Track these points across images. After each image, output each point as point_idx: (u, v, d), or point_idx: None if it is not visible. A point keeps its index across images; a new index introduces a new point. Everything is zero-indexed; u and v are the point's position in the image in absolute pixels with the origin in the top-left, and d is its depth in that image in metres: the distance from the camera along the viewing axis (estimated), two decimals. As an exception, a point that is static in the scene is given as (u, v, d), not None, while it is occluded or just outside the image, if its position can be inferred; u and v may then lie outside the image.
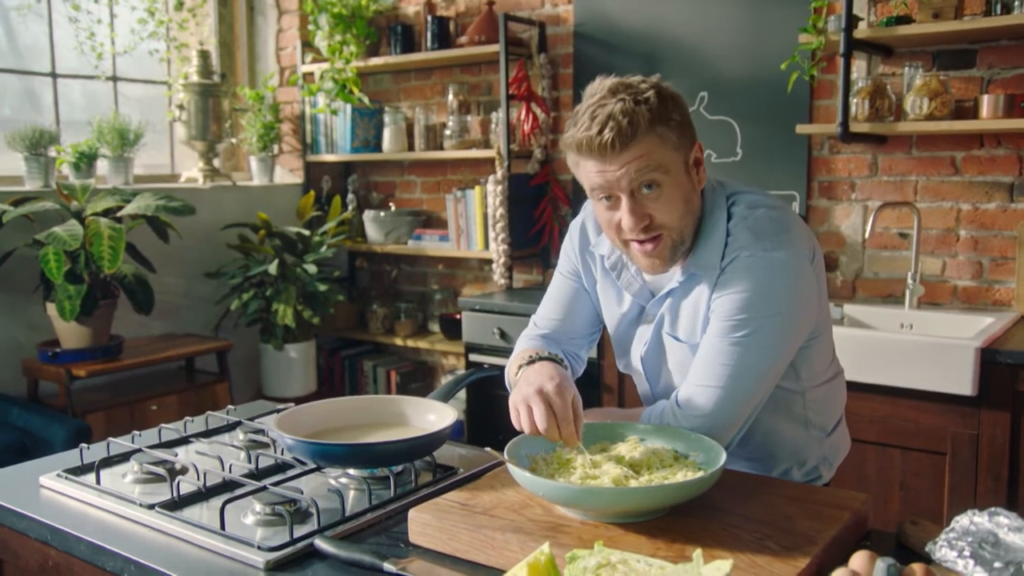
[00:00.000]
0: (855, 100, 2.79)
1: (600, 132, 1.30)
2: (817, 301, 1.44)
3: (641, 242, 1.38)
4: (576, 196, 3.63)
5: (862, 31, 2.74)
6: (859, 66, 2.94)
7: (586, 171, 1.37)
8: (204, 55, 3.87)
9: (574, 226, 1.63)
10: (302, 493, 1.30)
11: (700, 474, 1.17)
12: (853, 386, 2.45)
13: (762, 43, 3.12)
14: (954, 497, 2.40)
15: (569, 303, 1.64)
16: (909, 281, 2.84)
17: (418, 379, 4.13)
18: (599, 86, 1.36)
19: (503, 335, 3.25)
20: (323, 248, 3.76)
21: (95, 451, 1.56)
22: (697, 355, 1.41)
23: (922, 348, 2.40)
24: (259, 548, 1.18)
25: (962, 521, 1.10)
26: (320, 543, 1.18)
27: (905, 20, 2.71)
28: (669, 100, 1.35)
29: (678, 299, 1.46)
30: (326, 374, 4.23)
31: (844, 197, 3.05)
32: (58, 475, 1.47)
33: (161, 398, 3.24)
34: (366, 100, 3.94)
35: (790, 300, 1.37)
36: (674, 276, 1.46)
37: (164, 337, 3.64)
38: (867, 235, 2.78)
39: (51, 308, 3.07)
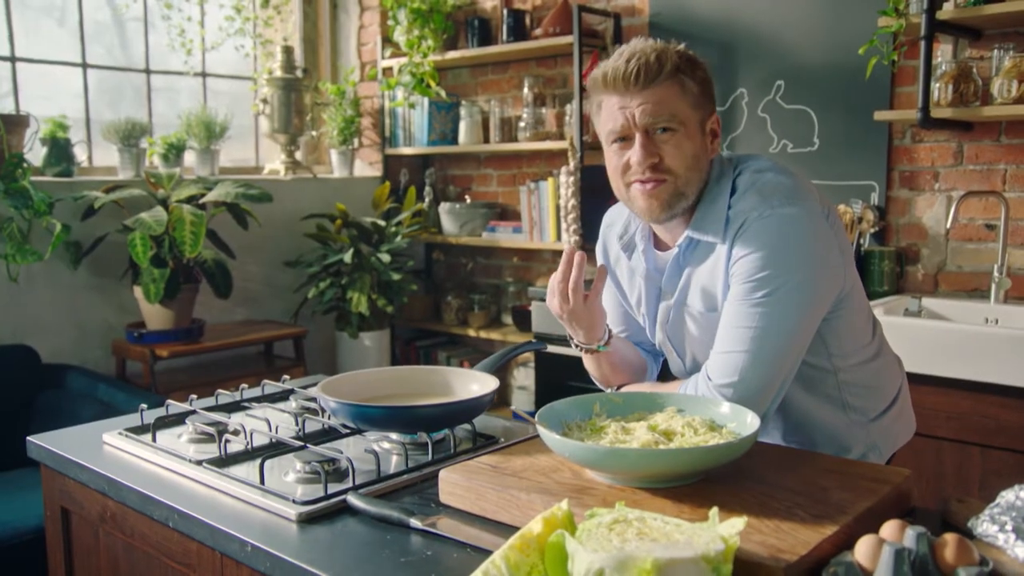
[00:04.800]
0: (937, 85, 2.68)
1: (627, 62, 1.35)
2: (840, 258, 1.39)
3: (644, 182, 1.39)
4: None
5: (947, 12, 2.63)
6: (944, 50, 2.82)
7: (608, 110, 1.40)
8: (288, 51, 3.99)
9: (598, 248, 1.69)
10: (341, 453, 1.33)
11: (730, 440, 1.15)
12: (931, 380, 2.38)
13: (840, 29, 3.02)
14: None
15: (624, 314, 1.69)
16: (995, 274, 2.71)
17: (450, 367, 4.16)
18: (635, 39, 1.41)
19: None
20: (397, 238, 3.82)
21: (154, 413, 1.63)
22: (721, 322, 1.39)
23: (1004, 341, 2.28)
24: (293, 502, 1.21)
25: (1008, 496, 1.04)
26: (352, 499, 1.21)
27: (995, -1, 2.59)
28: (696, 60, 1.40)
29: (690, 272, 1.46)
30: (402, 363, 4.29)
31: (927, 187, 2.93)
32: (119, 433, 1.55)
33: (239, 380, 3.33)
34: (443, 94, 3.99)
35: (809, 254, 1.34)
36: (678, 245, 1.47)
37: (244, 323, 3.77)
38: (948, 225, 2.66)
39: (138, 291, 3.22)
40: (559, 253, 3.86)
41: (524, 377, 3.81)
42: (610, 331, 1.57)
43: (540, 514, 0.97)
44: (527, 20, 3.84)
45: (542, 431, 1.18)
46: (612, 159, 1.43)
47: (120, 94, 3.77)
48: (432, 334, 4.38)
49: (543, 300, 3.35)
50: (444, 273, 4.45)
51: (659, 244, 1.54)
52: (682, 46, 1.39)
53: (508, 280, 4.16)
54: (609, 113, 1.40)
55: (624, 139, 1.40)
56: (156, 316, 3.25)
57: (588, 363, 1.63)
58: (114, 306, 3.43)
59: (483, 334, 4.00)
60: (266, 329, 3.63)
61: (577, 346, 1.59)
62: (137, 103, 3.81)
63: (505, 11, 3.81)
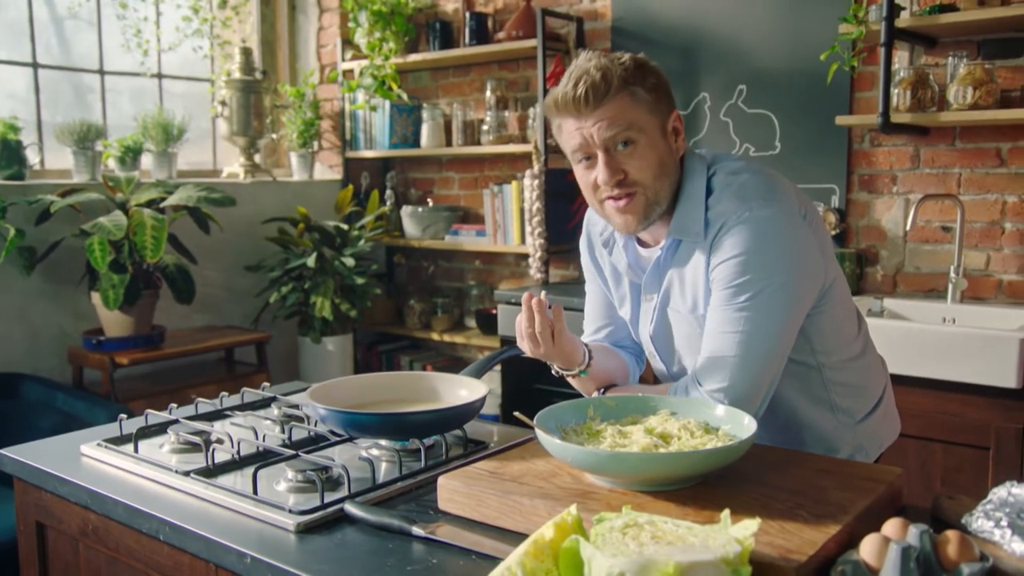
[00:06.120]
0: (896, 91, 2.75)
1: (575, 87, 1.36)
2: (820, 255, 1.42)
3: (616, 198, 1.41)
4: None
5: (904, 20, 2.70)
6: (901, 57, 2.90)
7: (566, 132, 1.42)
8: (246, 52, 3.93)
9: (582, 242, 1.70)
10: (334, 461, 1.31)
11: (729, 443, 1.16)
12: (895, 379, 2.41)
13: (802, 35, 3.09)
14: (998, 493, 2.35)
15: (608, 307, 1.69)
16: (952, 275, 2.79)
17: (437, 372, 4.14)
18: (582, 55, 1.42)
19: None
20: (361, 242, 3.79)
21: (134, 423, 1.59)
22: (706, 327, 1.41)
23: (965, 340, 2.35)
24: (290, 512, 1.19)
25: (1000, 492, 1.07)
26: (350, 508, 1.20)
27: (949, 8, 2.66)
28: (645, 66, 1.41)
29: (672, 273, 1.48)
30: (364, 368, 4.26)
31: (885, 190, 3.01)
32: (98, 444, 1.51)
33: (201, 387, 3.29)
34: (405, 96, 3.98)
35: (787, 255, 1.36)
36: (658, 249, 1.49)
37: (205, 328, 3.70)
38: (908, 228, 2.73)
39: (96, 297, 3.14)
40: (523, 256, 3.87)
41: (488, 380, 3.79)
42: (589, 353, 1.57)
43: (550, 520, 0.97)
44: (489, 23, 3.84)
45: (543, 436, 1.18)
46: (582, 177, 1.45)
47: (58, 95, 3.64)
48: (394, 338, 4.35)
49: (509, 303, 3.36)
50: (405, 277, 4.42)
51: (640, 240, 1.56)
52: (627, 57, 1.40)
53: (471, 283, 4.16)
54: (568, 134, 1.42)
55: (589, 157, 1.41)
56: (115, 323, 3.18)
57: (573, 383, 1.63)
58: (69, 313, 3.34)
59: (447, 338, 3.99)
60: (228, 335, 3.57)
61: (557, 373, 1.60)
62: (78, 104, 3.69)
63: (467, 14, 3.81)
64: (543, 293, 1.47)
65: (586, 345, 1.58)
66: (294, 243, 3.77)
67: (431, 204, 4.21)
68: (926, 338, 2.42)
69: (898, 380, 2.43)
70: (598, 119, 1.36)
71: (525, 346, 1.50)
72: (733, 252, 1.36)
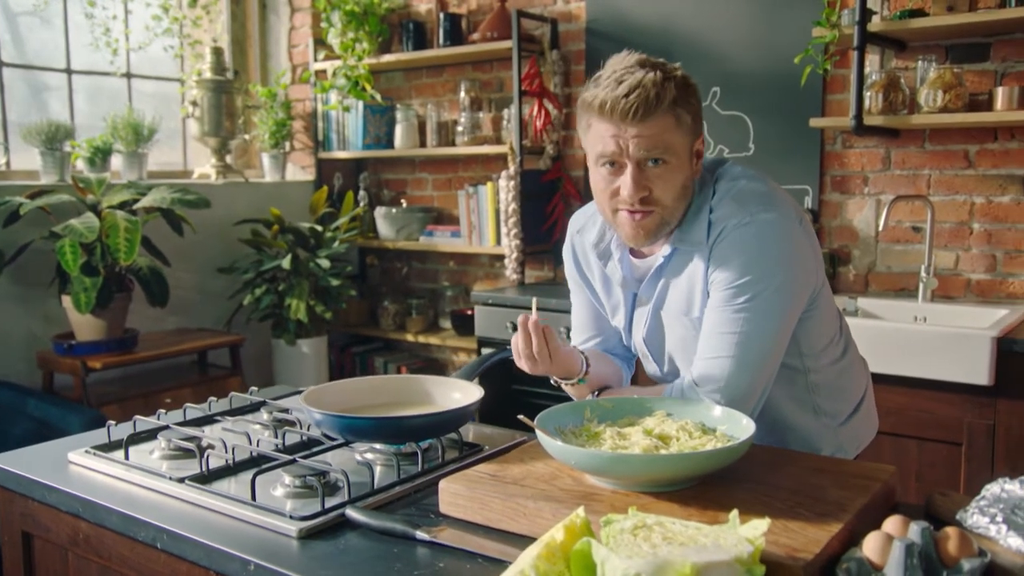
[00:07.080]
0: (869, 93, 2.80)
1: (627, 96, 1.33)
2: (814, 259, 1.45)
3: (633, 212, 1.41)
4: (587, 192, 3.64)
5: (876, 24, 2.75)
6: (872, 60, 2.95)
7: (598, 134, 1.39)
8: (217, 52, 3.89)
9: (566, 253, 1.68)
10: (331, 466, 1.31)
11: (731, 443, 1.18)
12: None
13: (775, 38, 3.13)
14: (971, 488, 2.41)
15: (596, 318, 1.69)
16: (922, 274, 2.85)
17: (429, 375, 4.14)
18: (626, 56, 1.40)
19: (515, 329, 3.24)
20: (335, 243, 3.77)
21: (122, 429, 1.57)
22: (703, 329, 1.42)
23: (938, 338, 2.40)
24: (291, 517, 1.18)
25: (993, 489, 1.10)
26: (352, 512, 1.19)
27: (919, 13, 2.72)
28: (691, 86, 1.41)
29: (668, 277, 1.49)
30: (337, 370, 4.23)
31: (857, 191, 3.06)
32: (86, 451, 1.48)
33: (174, 391, 3.25)
34: (378, 97, 3.96)
35: (786, 258, 1.39)
36: (659, 256, 1.49)
37: (178, 331, 3.65)
38: (880, 228, 2.79)
39: (66, 300, 3.08)
40: (498, 257, 3.87)
41: (465, 381, 3.80)
42: (587, 360, 1.57)
43: (560, 522, 0.98)
44: (463, 24, 3.84)
45: (545, 439, 1.19)
46: (600, 181, 1.43)
47: (13, 93, 3.52)
48: (368, 340, 4.33)
49: (486, 304, 3.37)
50: (378, 278, 4.41)
51: (634, 251, 1.56)
52: (680, 73, 1.39)
53: (445, 284, 4.15)
54: (600, 137, 1.39)
55: (614, 163, 1.40)
56: (86, 326, 3.12)
57: (569, 391, 1.63)
58: (38, 316, 3.28)
59: (422, 339, 3.99)
60: (202, 337, 3.53)
61: (556, 382, 1.60)
62: (35, 103, 3.61)
63: (441, 15, 3.81)
64: (534, 304, 1.46)
65: (582, 353, 1.58)
66: (268, 244, 3.74)
67: (405, 205, 4.20)
68: (899, 337, 2.47)
69: (872, 378, 2.48)
70: (639, 133, 1.35)
71: (524, 365, 1.49)
72: (733, 254, 1.38)
